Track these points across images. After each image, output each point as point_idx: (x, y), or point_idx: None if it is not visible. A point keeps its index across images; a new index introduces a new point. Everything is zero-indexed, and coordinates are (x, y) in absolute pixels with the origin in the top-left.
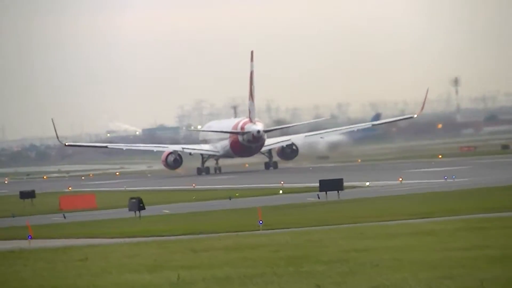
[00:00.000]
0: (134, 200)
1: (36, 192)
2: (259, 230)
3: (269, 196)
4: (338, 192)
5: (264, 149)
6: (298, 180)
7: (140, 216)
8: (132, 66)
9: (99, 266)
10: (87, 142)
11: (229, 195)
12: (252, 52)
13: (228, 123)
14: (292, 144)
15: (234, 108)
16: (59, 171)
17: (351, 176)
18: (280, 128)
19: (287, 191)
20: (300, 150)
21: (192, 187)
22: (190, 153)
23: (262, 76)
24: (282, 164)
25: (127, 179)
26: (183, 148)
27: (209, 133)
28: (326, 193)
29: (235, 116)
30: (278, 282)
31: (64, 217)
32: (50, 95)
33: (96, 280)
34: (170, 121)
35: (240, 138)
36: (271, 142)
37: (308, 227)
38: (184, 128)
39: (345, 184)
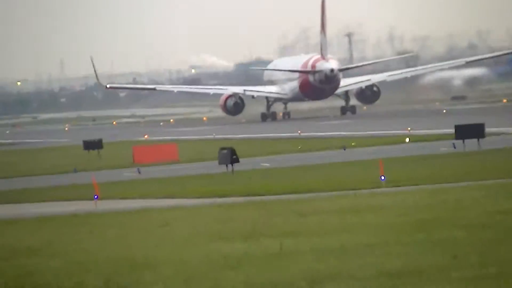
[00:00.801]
0: (225, 151)
1: (104, 141)
2: (381, 187)
3: (392, 145)
4: (478, 140)
5: (339, 91)
6: (427, 126)
7: (233, 171)
8: None
9: (183, 233)
10: (167, 79)
11: (342, 144)
12: None
13: (298, 61)
14: (373, 85)
15: (349, 36)
16: (132, 116)
17: (494, 121)
18: (360, 66)
19: (414, 139)
20: (383, 92)
21: (298, 134)
22: (253, 96)
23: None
24: (374, 108)
25: (212, 126)
26: (244, 90)
27: (276, 72)
28: (463, 141)
29: (349, 47)
30: (404, 253)
31: (139, 172)
32: (117, 24)
33: (179, 251)
34: (270, 54)
35: (311, 78)
36: (348, 83)
37: (441, 184)
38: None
39: (487, 130)
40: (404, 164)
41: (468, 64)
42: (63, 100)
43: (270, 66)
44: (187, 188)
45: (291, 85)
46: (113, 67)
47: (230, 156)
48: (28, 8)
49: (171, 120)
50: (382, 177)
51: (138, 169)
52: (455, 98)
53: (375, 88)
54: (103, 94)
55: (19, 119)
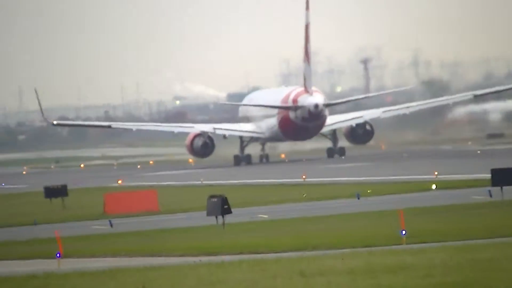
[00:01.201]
0: (215, 200)
1: (69, 187)
2: (401, 244)
3: (416, 193)
4: None
5: (326, 129)
6: (457, 170)
7: (224, 223)
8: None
9: None
10: (146, 113)
11: (356, 190)
12: None
13: (278, 94)
14: (365, 122)
15: (365, 62)
16: (103, 157)
17: None
18: (347, 101)
19: (442, 185)
20: (377, 131)
21: (302, 179)
22: (224, 136)
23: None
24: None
25: (199, 169)
26: (214, 129)
27: (252, 108)
28: (501, 188)
29: (366, 74)
30: None
31: (111, 225)
32: (88, 47)
33: None
34: (270, 82)
35: (292, 114)
36: (336, 120)
37: (473, 240)
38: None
39: None
40: (429, 216)
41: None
42: (21, 137)
43: (245, 100)
44: (168, 244)
45: (269, 123)
46: (82, 98)
47: (221, 205)
48: None
49: (150, 162)
50: (403, 232)
51: (110, 221)
52: (491, 135)
53: (367, 127)
54: (69, 130)
55: None
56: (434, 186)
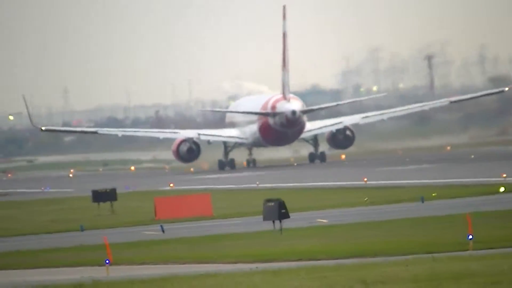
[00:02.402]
0: (271, 204)
1: (118, 191)
2: (467, 250)
3: (483, 196)
4: None
5: (307, 135)
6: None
7: (281, 229)
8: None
9: None
10: (197, 113)
11: (420, 194)
12: (284, 8)
13: (259, 101)
14: (345, 128)
15: (429, 59)
16: (154, 160)
17: None
18: (325, 107)
19: (509, 188)
20: (357, 136)
21: (363, 182)
22: (208, 141)
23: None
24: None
25: (255, 171)
26: (199, 134)
27: (237, 114)
28: None
29: (430, 71)
30: None
31: (163, 231)
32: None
33: None
34: (329, 81)
35: (271, 120)
36: (316, 126)
37: None
38: (350, 88)
39: None
40: (497, 220)
41: None
42: (67, 138)
43: (231, 107)
44: (222, 250)
45: (252, 129)
46: (132, 98)
47: (278, 209)
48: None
49: (204, 165)
50: (470, 236)
51: (161, 226)
52: None
53: (348, 132)
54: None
55: (10, 163)
56: (502, 189)
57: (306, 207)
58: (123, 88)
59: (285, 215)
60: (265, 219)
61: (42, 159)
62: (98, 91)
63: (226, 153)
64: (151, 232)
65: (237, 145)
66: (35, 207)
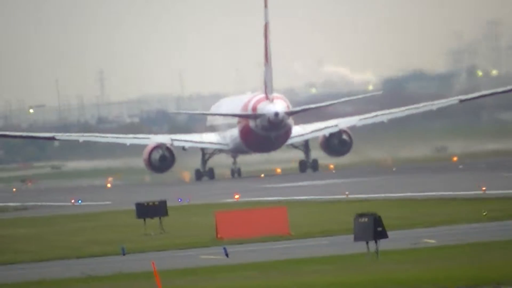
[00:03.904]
0: (365, 220)
1: (169, 204)
2: None
3: None
4: None
5: (296, 140)
6: None
7: (378, 251)
8: None
9: None
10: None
11: None
12: None
13: (239, 102)
14: (341, 132)
15: None
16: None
17: None
18: (312, 107)
19: None
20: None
21: (481, 191)
22: (183, 147)
23: None
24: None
25: (343, 178)
26: (172, 140)
27: (218, 116)
28: None
29: None
30: None
31: (226, 254)
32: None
33: None
34: (435, 64)
35: (252, 123)
36: (308, 130)
37: None
38: (463, 72)
39: None
40: None
41: None
42: (98, 147)
43: (213, 108)
44: (303, 279)
45: (232, 133)
46: (185, 87)
47: (373, 227)
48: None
49: (277, 170)
50: None
51: (225, 248)
52: None
53: (344, 136)
54: (170, 123)
55: (31, 169)
56: None
57: (408, 223)
58: (176, 75)
59: (382, 234)
60: (357, 238)
61: (71, 164)
62: (142, 78)
63: (204, 161)
64: (211, 256)
65: (217, 151)
66: (64, 225)
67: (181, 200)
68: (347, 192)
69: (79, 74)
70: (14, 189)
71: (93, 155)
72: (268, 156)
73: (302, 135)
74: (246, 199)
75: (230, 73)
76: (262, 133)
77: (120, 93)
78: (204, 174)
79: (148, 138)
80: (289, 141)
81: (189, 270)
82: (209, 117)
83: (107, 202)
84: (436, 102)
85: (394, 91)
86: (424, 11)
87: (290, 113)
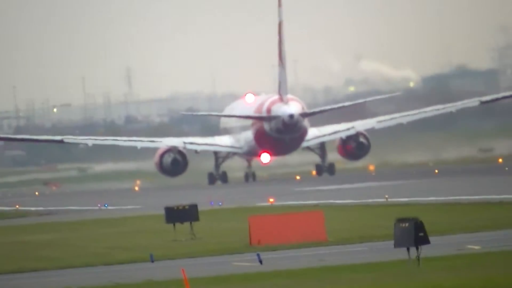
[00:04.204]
0: (405, 225)
1: (201, 208)
2: None
3: None
4: None
5: (312, 142)
6: None
7: (419, 258)
8: None
9: None
10: (311, 100)
11: None
12: None
13: (254, 103)
14: (358, 134)
15: None
16: (245, 166)
17: None
18: (325, 109)
19: None
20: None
21: None
22: (196, 151)
23: None
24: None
25: (380, 181)
26: (185, 143)
27: (232, 118)
28: None
29: None
30: None
31: (260, 261)
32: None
33: None
34: (480, 59)
35: (266, 126)
36: (324, 132)
37: None
38: (509, 70)
39: None
40: None
41: None
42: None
43: (227, 110)
44: (339, 287)
45: (246, 135)
46: (217, 85)
47: (415, 232)
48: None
49: (313, 172)
50: None
51: (258, 255)
52: None
53: (361, 139)
54: (196, 125)
55: (55, 172)
56: None
57: (452, 228)
58: (208, 72)
59: (424, 240)
60: (397, 245)
61: (98, 167)
62: (172, 75)
63: (217, 164)
64: (244, 262)
65: (231, 155)
66: (90, 230)
67: (212, 203)
68: (386, 196)
69: (106, 72)
70: (36, 193)
71: (121, 157)
72: (282, 159)
73: (317, 137)
74: (281, 203)
75: (265, 70)
76: (276, 136)
77: (149, 91)
78: (218, 178)
79: (160, 141)
80: (305, 144)
81: (221, 277)
82: (222, 120)
83: (135, 206)
84: (455, 103)
85: (436, 88)
86: (468, 4)
87: (305, 115)
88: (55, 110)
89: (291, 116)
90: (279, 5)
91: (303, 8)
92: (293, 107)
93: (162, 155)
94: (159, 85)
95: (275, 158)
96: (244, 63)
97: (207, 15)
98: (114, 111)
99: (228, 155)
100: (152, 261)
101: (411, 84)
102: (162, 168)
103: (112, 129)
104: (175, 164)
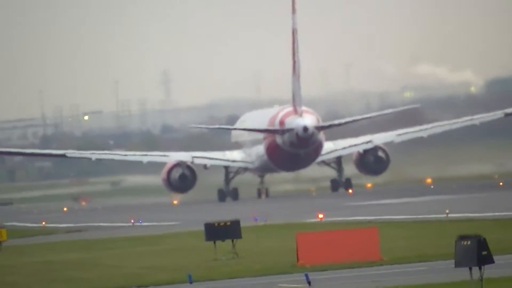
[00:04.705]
0: (467, 243)
1: (244, 224)
2: None
3: None
4: None
5: (327, 157)
6: None
7: (482, 279)
8: None
9: None
10: (362, 107)
11: None
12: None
13: (266, 115)
14: (376, 148)
15: None
16: (294, 178)
17: None
18: (342, 123)
19: None
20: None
21: None
22: (205, 166)
23: None
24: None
25: (439, 195)
26: (193, 157)
27: (244, 132)
28: None
29: None
30: None
31: (309, 283)
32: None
33: None
34: None
35: (279, 139)
36: (340, 146)
37: None
38: None
39: None
40: None
41: None
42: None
43: (238, 122)
44: None
45: (258, 150)
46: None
47: (477, 251)
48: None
49: (367, 185)
50: None
51: (307, 276)
52: None
53: (380, 153)
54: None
55: (85, 185)
56: None
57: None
58: (250, 77)
59: (488, 259)
60: (458, 264)
61: (131, 179)
62: (212, 80)
63: (228, 180)
64: (291, 284)
65: (242, 170)
66: (123, 249)
67: (257, 219)
68: (447, 211)
69: (141, 76)
70: (65, 208)
71: (157, 169)
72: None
73: (334, 151)
74: (331, 218)
75: (314, 76)
76: (290, 150)
77: (188, 97)
78: (228, 194)
79: (167, 155)
80: (320, 158)
81: None
82: (233, 133)
83: (173, 222)
84: (479, 116)
85: (500, 93)
86: None
87: (320, 128)
88: (86, 117)
89: (306, 128)
90: (293, 11)
91: (355, 10)
92: (308, 120)
93: (169, 170)
94: (198, 91)
95: (289, 173)
96: (290, 67)
97: (250, 16)
98: (149, 119)
99: (239, 170)
100: (191, 282)
101: (472, 89)
102: (170, 183)
103: (147, 138)
104: (183, 179)
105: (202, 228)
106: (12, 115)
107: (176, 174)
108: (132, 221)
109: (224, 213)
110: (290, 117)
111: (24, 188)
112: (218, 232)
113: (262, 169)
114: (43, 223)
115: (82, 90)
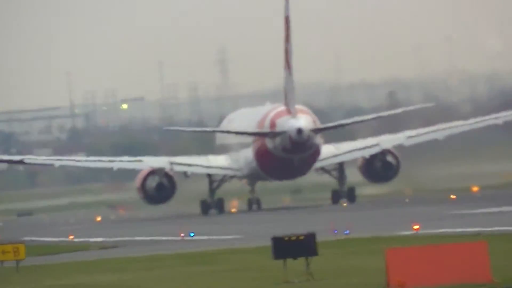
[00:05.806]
0: None
1: (320, 237)
2: None
3: None
4: None
5: (327, 163)
6: None
7: None
8: None
9: None
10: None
11: None
12: None
13: (256, 115)
14: (384, 152)
15: None
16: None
17: None
18: (343, 124)
19: None
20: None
21: None
22: (185, 173)
23: None
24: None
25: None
26: (172, 164)
27: (228, 134)
28: None
29: None
30: None
31: None
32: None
33: None
34: None
35: (269, 143)
36: (342, 150)
37: None
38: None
39: None
40: None
41: None
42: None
43: (225, 122)
44: None
45: (246, 155)
46: (342, 71)
47: None
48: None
49: (474, 188)
50: None
51: None
52: None
53: (389, 158)
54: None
55: (123, 191)
56: None
57: None
58: (329, 57)
59: None
60: None
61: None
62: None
63: (212, 190)
64: None
65: (228, 178)
66: (169, 269)
67: (336, 232)
68: None
69: (191, 56)
70: (98, 218)
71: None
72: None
73: (334, 156)
74: (429, 230)
75: (407, 52)
76: (282, 155)
77: (249, 82)
78: (212, 206)
79: (140, 161)
80: (319, 164)
81: None
82: (218, 135)
83: (232, 236)
84: (502, 114)
85: None
86: None
87: (317, 130)
88: (124, 106)
89: (299, 131)
90: None
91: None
92: (303, 121)
93: (144, 179)
94: (263, 75)
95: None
96: (377, 45)
97: None
98: (202, 108)
99: (225, 178)
100: None
101: None
102: (146, 193)
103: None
104: (161, 189)
105: (268, 243)
106: (32, 104)
107: (152, 183)
108: (182, 234)
109: (294, 224)
110: (282, 118)
111: (47, 195)
112: (289, 247)
113: (251, 177)
114: (71, 237)
115: (120, 72)
